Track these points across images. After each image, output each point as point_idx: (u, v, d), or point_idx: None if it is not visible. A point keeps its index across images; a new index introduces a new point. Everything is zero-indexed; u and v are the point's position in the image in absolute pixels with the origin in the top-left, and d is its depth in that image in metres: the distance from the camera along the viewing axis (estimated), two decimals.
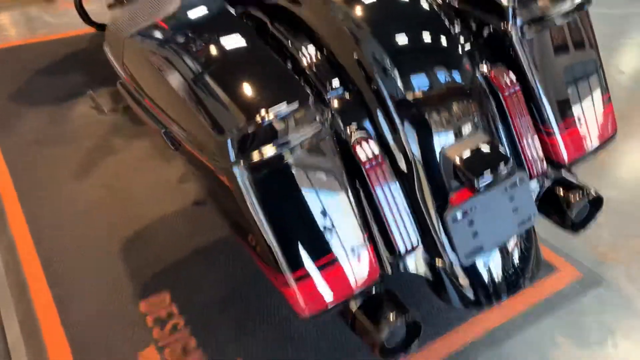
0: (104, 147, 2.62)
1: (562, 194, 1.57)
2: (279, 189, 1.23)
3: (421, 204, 1.37)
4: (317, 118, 1.24)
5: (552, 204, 1.58)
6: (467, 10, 1.56)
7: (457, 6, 1.58)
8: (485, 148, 1.35)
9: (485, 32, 1.53)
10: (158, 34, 1.39)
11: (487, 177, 1.30)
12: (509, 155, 1.36)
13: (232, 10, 1.47)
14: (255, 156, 1.19)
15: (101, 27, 3.02)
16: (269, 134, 1.19)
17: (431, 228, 1.38)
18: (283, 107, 1.19)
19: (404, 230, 1.36)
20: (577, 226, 1.59)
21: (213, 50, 1.31)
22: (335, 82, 1.40)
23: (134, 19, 1.47)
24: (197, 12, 1.43)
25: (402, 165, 1.37)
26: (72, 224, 2.21)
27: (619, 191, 2.28)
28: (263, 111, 1.18)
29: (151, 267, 2.00)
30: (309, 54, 1.46)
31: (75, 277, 1.99)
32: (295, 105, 1.21)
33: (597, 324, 1.77)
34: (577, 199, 1.55)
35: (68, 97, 3.01)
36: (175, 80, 1.29)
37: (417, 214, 1.38)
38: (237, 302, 1.88)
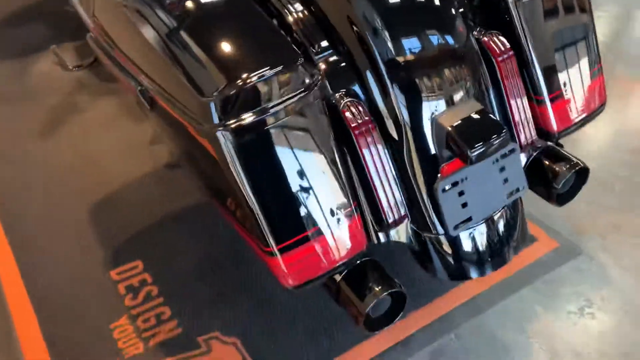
0: (68, 105, 2.49)
1: (548, 164, 1.54)
2: (265, 154, 1.16)
3: (410, 173, 1.33)
4: (306, 81, 1.17)
5: (537, 175, 1.55)
6: None
7: None
8: (480, 116, 1.30)
9: None
10: None
11: (481, 147, 1.25)
12: (502, 124, 1.32)
13: None
14: (240, 120, 1.11)
15: None
16: (254, 96, 1.12)
17: (419, 198, 1.33)
18: (270, 69, 1.12)
19: (392, 199, 1.31)
20: (562, 198, 1.57)
21: (195, 3, 1.21)
22: (324, 43, 1.33)
23: None
24: None
25: (393, 131, 1.32)
26: (37, 188, 2.10)
27: (595, 162, 2.28)
28: (249, 72, 1.10)
29: (123, 233, 1.92)
30: (296, 11, 1.37)
31: (42, 244, 1.89)
32: (282, 66, 1.14)
33: (575, 294, 1.78)
34: (564, 169, 1.52)
35: (29, 51, 2.83)
36: (153, 35, 1.19)
37: (406, 183, 1.34)
38: (214, 270, 1.82)
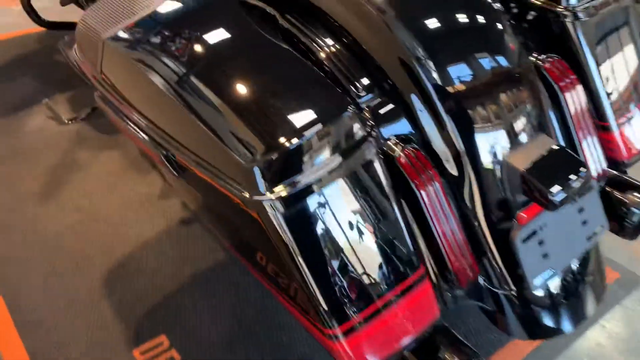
0: (68, 163, 2.30)
1: (618, 195, 1.38)
2: (321, 223, 0.98)
3: (477, 222, 1.16)
4: (360, 132, 1.00)
5: (606, 207, 1.39)
6: None
7: None
8: (556, 154, 1.13)
9: (531, 15, 1.32)
10: (149, 34, 1.11)
11: (564, 190, 1.08)
12: (582, 161, 1.15)
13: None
14: (290, 185, 0.94)
15: (53, 26, 2.67)
16: (304, 157, 0.95)
17: (491, 251, 1.16)
18: (319, 123, 0.95)
19: (463, 256, 1.14)
20: (635, 230, 1.40)
21: (227, 53, 1.05)
22: (365, 81, 1.16)
23: (113, 16, 1.19)
24: (196, 4, 1.16)
25: (454, 177, 1.14)
26: (41, 258, 1.90)
27: None
28: (295, 130, 0.94)
29: (141, 304, 1.72)
30: (327, 45, 1.21)
31: (50, 326, 1.68)
32: (333, 119, 0.97)
33: None
34: (638, 200, 1.36)
35: (20, 107, 2.65)
36: (177, 92, 1.02)
37: (471, 234, 1.16)
38: (246, 338, 1.63)
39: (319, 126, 0.95)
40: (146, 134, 1.11)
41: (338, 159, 0.97)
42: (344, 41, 1.21)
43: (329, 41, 1.22)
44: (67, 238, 1.97)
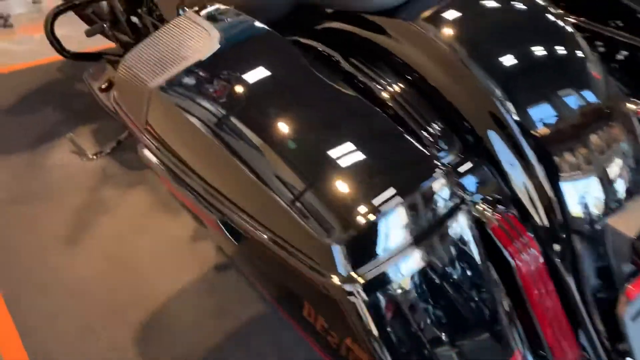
0: (94, 203, 2.18)
1: None
2: (409, 310, 0.84)
3: (574, 295, 1.01)
4: (452, 199, 0.86)
5: None
6: (593, 28, 1.20)
7: (576, 21, 1.22)
8: None
9: (621, 55, 1.18)
10: (204, 83, 0.98)
11: None
12: None
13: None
14: (375, 267, 0.81)
15: (76, 57, 2.57)
16: (394, 234, 0.81)
17: (591, 327, 1.01)
18: (407, 192, 0.82)
19: (562, 337, 0.99)
20: None
21: (292, 108, 0.92)
22: (443, 131, 1.03)
23: (160, 62, 1.06)
24: (252, 47, 1.04)
25: (549, 243, 1.00)
26: (66, 311, 1.76)
27: None
28: (384, 204, 0.80)
29: None
30: (401, 94, 1.08)
31: None
32: (421, 185, 0.84)
33: None
34: None
35: (42, 140, 2.54)
36: (241, 151, 0.89)
37: (571, 307, 1.02)
38: None
39: (407, 196, 0.82)
40: (199, 194, 0.98)
41: (430, 235, 0.83)
42: (413, 84, 1.09)
43: (398, 84, 1.09)
44: (95, 288, 1.83)
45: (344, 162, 0.84)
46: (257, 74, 0.99)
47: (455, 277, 0.86)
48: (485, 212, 0.95)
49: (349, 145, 0.87)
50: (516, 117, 0.99)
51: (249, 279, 1.77)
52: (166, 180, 1.07)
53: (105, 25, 2.41)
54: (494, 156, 1.00)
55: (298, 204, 0.83)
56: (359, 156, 0.86)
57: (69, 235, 2.04)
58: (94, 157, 2.37)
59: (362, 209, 0.80)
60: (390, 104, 1.05)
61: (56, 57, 2.92)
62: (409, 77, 1.09)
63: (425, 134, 1.03)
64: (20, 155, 2.45)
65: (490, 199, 0.98)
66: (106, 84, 2.32)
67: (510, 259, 0.94)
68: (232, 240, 0.95)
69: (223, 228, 0.95)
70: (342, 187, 0.82)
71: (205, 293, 1.80)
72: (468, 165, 1.01)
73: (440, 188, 0.84)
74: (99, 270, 1.89)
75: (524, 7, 1.14)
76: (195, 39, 1.09)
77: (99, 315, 1.75)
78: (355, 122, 0.94)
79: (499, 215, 0.95)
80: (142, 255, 1.94)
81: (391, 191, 0.82)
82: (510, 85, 1.02)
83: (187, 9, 1.16)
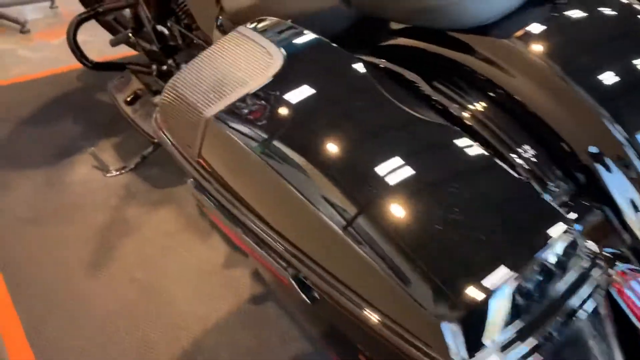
0: (118, 224, 2.04)
1: None
2: None
3: None
4: (585, 264, 0.72)
5: None
6: None
7: None
8: None
9: None
10: (273, 113, 0.85)
11: None
12: None
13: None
14: (496, 348, 0.66)
15: (99, 67, 2.44)
16: (513, 306, 0.67)
17: None
18: (540, 260, 0.68)
19: None
20: None
21: (390, 145, 0.78)
22: (556, 170, 0.89)
23: (216, 86, 0.93)
24: (327, 69, 0.90)
25: None
26: (91, 342, 1.63)
27: None
28: (511, 272, 0.66)
29: None
30: (475, 108, 0.94)
31: None
32: (550, 248, 0.70)
33: None
34: None
35: (61, 155, 2.41)
36: (326, 197, 0.75)
37: None
38: None
39: (537, 262, 0.68)
40: (266, 244, 0.84)
41: (559, 306, 0.69)
42: (509, 108, 0.95)
43: (488, 109, 0.95)
44: (121, 316, 1.70)
45: (457, 218, 0.70)
46: (333, 101, 0.85)
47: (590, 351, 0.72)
48: (619, 277, 0.81)
49: (461, 198, 0.73)
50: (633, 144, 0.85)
51: (314, 337, 1.61)
52: (218, 218, 0.93)
53: (129, 34, 2.28)
54: (607, 194, 0.86)
55: (399, 269, 0.69)
56: (474, 210, 0.72)
57: (93, 260, 1.90)
58: (117, 173, 2.24)
59: (482, 279, 0.66)
60: (485, 135, 0.91)
61: (76, 64, 2.79)
62: (501, 101, 0.95)
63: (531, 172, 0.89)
64: (40, 171, 2.32)
65: (611, 251, 0.83)
66: (132, 96, 2.19)
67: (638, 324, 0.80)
68: (308, 300, 0.81)
69: (296, 287, 0.81)
70: (453, 252, 0.68)
71: (242, 326, 1.67)
72: (594, 216, 0.86)
73: (573, 254, 0.70)
74: (125, 297, 1.76)
75: (629, 16, 1.00)
76: (253, 60, 0.95)
77: (128, 350, 1.61)
78: (460, 162, 0.80)
79: (623, 274, 0.81)
80: (169, 281, 1.81)
81: (514, 260, 0.68)
82: (621, 105, 0.88)
83: (244, 26, 1.02)
